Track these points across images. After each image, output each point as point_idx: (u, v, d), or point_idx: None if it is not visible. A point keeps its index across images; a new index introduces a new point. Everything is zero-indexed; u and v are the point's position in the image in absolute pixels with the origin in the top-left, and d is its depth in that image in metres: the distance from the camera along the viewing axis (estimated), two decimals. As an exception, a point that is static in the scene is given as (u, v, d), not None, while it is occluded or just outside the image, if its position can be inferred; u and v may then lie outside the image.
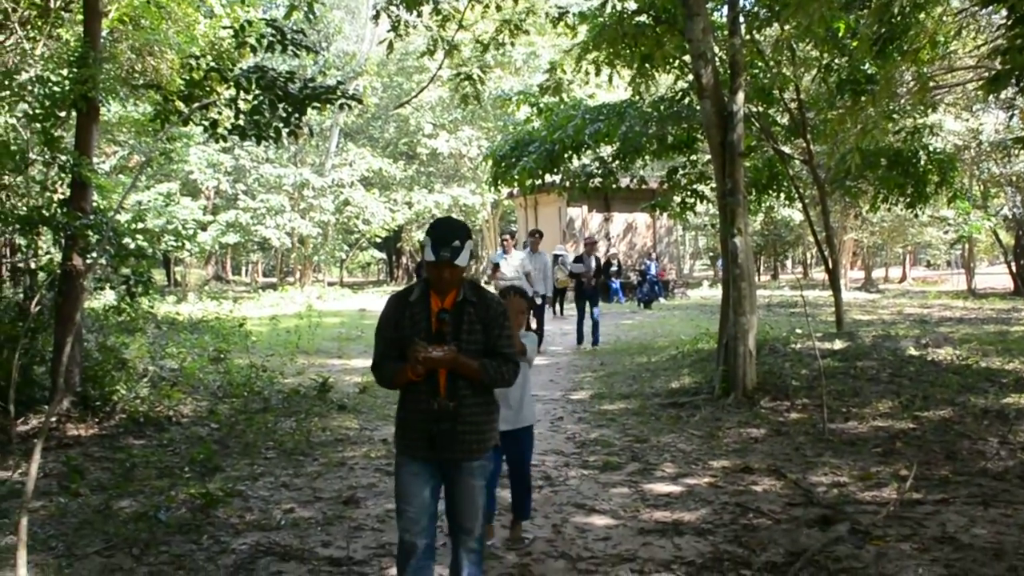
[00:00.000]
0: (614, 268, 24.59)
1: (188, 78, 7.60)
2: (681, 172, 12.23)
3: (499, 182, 11.83)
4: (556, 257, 17.41)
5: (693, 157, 12.03)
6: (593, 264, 13.63)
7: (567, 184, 12.10)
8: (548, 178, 11.80)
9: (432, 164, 42.86)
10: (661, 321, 18.47)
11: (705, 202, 12.52)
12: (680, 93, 10.87)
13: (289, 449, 6.85)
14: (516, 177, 11.33)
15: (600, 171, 11.80)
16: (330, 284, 37.68)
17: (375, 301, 29.45)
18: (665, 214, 13.67)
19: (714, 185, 10.05)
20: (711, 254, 50.15)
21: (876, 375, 8.54)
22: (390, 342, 3.37)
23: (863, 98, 9.15)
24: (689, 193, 12.19)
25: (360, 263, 67.34)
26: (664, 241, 27.89)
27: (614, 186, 11.98)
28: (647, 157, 11.66)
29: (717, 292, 30.97)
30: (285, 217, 31.43)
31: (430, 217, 42.57)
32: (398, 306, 3.40)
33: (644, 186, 12.40)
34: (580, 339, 13.67)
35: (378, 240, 37.38)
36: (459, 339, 3.32)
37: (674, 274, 28.81)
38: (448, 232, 3.30)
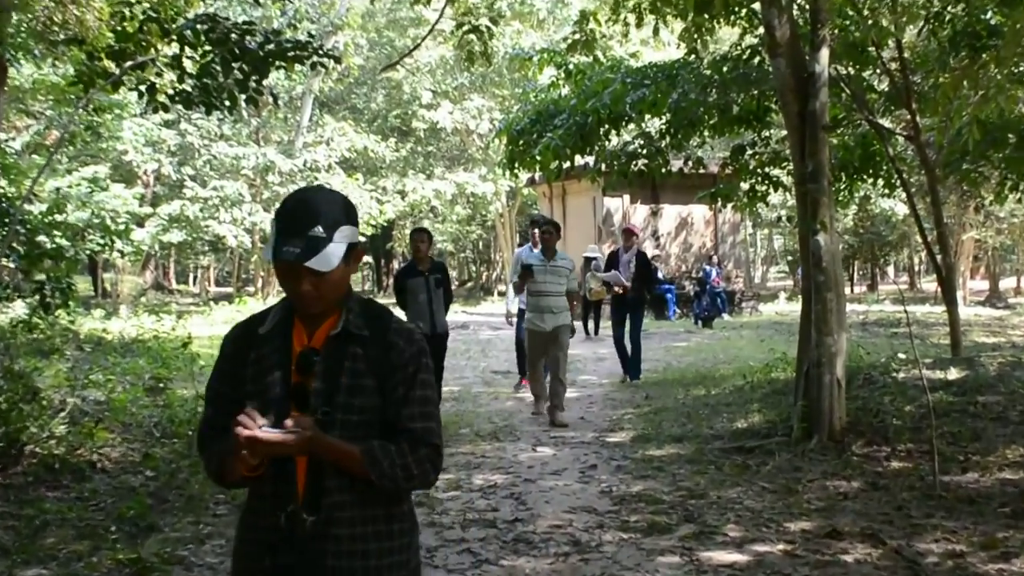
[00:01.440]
0: (662, 274, 24.61)
1: (119, 30, 7.67)
2: (749, 152, 12.20)
3: (516, 165, 11.84)
4: (588, 261, 17.45)
5: (765, 133, 12.00)
6: (634, 263, 13.31)
7: (603, 168, 12.09)
8: (579, 160, 11.79)
9: (431, 142, 43.10)
10: (724, 343, 18.41)
11: (780, 190, 12.48)
12: (747, 51, 10.86)
13: (244, 503, 6.85)
14: (538, 159, 11.34)
15: (645, 151, 11.80)
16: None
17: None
18: (729, 206, 13.62)
19: (791, 168, 10.02)
20: (789, 258, 49.99)
21: (1003, 414, 8.46)
22: (224, 404, 2.51)
23: (984, 56, 9.10)
24: (759, 179, 12.16)
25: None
26: (728, 241, 27.87)
27: (663, 170, 11.96)
28: (706, 133, 11.60)
29: (796, 306, 30.89)
30: (244, 209, 31.60)
31: (428, 210, 43.04)
32: (240, 343, 2.55)
33: (702, 170, 12.37)
34: (626, 368, 13.33)
35: (362, 239, 37.51)
36: (332, 402, 2.44)
37: (741, 283, 28.75)
38: (304, 212, 2.40)
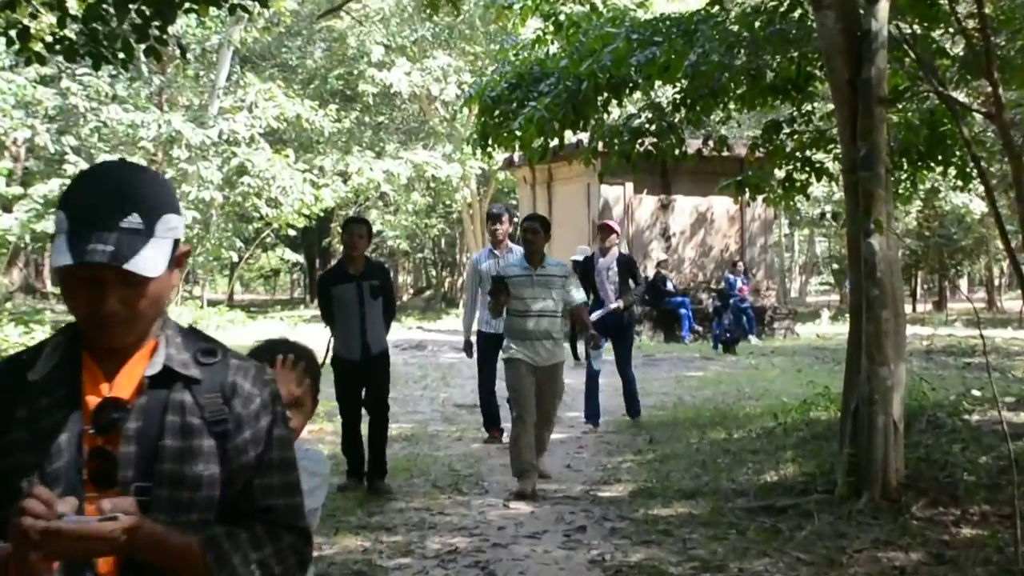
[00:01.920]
0: (672, 284, 24.69)
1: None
2: (786, 131, 12.24)
3: (490, 142, 11.83)
4: (578, 265, 17.45)
5: (806, 106, 12.04)
6: (615, 270, 13.23)
7: (600, 147, 12.09)
8: (569, 137, 11.78)
9: (383, 111, 43.08)
10: (751, 373, 18.45)
11: (825, 180, 12.53)
12: (786, 1, 10.90)
13: None
14: (518, 134, 11.33)
15: (654, 127, 11.81)
16: (212, 303, 37.70)
17: (285, 333, 29.38)
18: (760, 198, 13.65)
19: (839, 152, 10.04)
20: (834, 266, 50.25)
21: (1101, 467, 8.49)
22: None
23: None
24: (798, 165, 12.20)
25: (262, 270, 67.42)
26: (757, 244, 28.02)
27: (677, 152, 11.97)
28: (731, 105, 11.60)
29: (843, 328, 31.01)
30: (140, 192, 31.56)
31: (377, 197, 42.95)
32: (1, 396, 2.24)
33: (726, 153, 12.39)
34: (589, 414, 12.87)
35: (292, 233, 37.42)
36: (151, 473, 2.17)
37: (773, 297, 28.87)
38: (113, 195, 2.16)
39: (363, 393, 9.61)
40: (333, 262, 54.20)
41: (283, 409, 2.36)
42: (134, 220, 2.12)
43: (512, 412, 9.51)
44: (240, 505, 2.26)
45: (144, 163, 31.78)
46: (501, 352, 9.89)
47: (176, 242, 2.21)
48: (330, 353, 9.46)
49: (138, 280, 2.13)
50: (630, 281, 13.13)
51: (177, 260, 2.23)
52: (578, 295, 9.80)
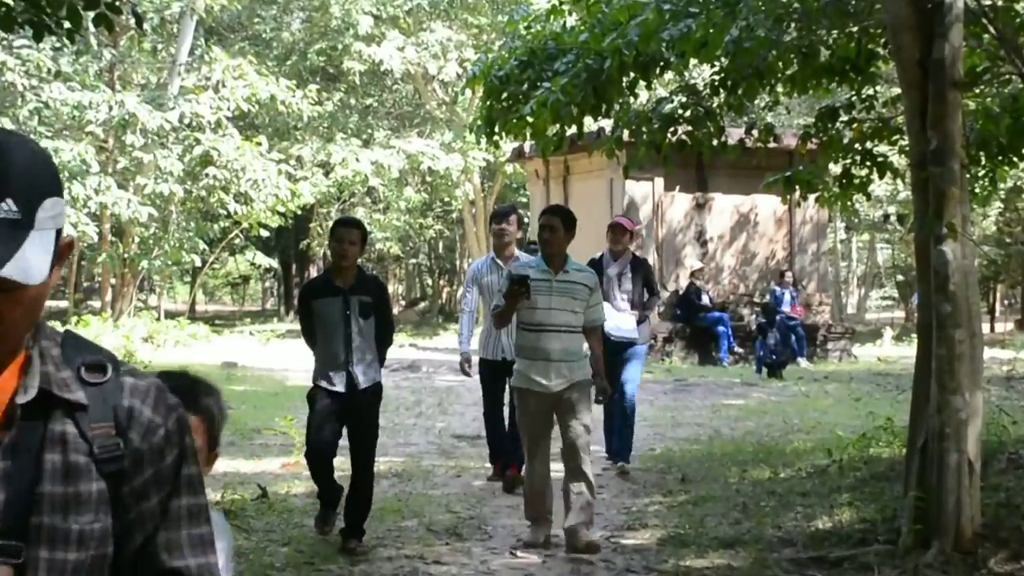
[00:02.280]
0: (704, 299, 24.72)
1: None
2: (843, 119, 12.23)
3: (497, 129, 11.83)
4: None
5: (867, 90, 12.04)
6: (630, 276, 12.66)
7: (625, 136, 12.10)
8: (590, 124, 11.76)
9: (371, 93, 43.08)
10: (800, 402, 18.44)
11: (889, 176, 12.52)
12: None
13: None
14: (529, 120, 11.33)
15: (689, 112, 11.81)
16: (170, 315, 37.72)
17: (255, 350, 29.43)
18: (812, 197, 13.64)
19: (905, 144, 10.03)
20: (899, 277, 50.21)
21: None
22: None
23: None
24: (857, 158, 12.19)
25: (229, 277, 67.35)
26: (808, 251, 28.01)
27: (715, 143, 11.97)
28: (779, 89, 11.59)
29: (909, 350, 30.96)
30: (89, 184, 31.53)
31: (364, 192, 42.87)
32: None
33: (772, 144, 12.38)
34: (610, 447, 12.53)
35: (265, 234, 37.45)
36: (25, 528, 1.94)
37: (827, 313, 28.84)
38: None
39: (344, 433, 9.16)
40: (313, 271, 53.64)
41: (191, 442, 2.12)
42: (8, 207, 1.86)
43: (524, 453, 9.39)
44: (140, 567, 2.05)
45: (93, 148, 31.82)
46: (511, 378, 9.51)
47: (59, 232, 1.96)
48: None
49: (13, 285, 1.87)
50: (645, 292, 12.64)
51: (59, 254, 1.97)
52: (601, 315, 9.39)
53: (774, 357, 23.09)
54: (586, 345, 9.38)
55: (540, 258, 9.29)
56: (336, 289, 9.08)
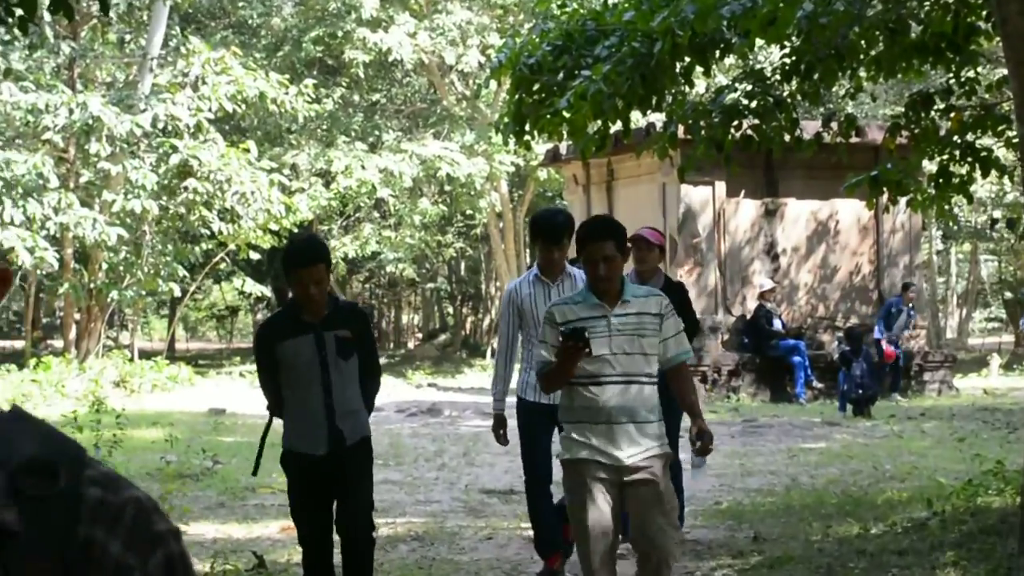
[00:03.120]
0: (776, 324, 24.75)
1: None
2: (940, 107, 12.21)
3: (528, 127, 11.86)
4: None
5: (968, 72, 12.02)
6: (654, 295, 11.84)
7: (679, 132, 12.11)
8: (638, 119, 11.78)
9: (378, 87, 43.11)
10: (892, 444, 18.38)
11: (995, 175, 12.48)
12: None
13: None
14: (566, 116, 11.37)
15: (755, 104, 11.82)
16: (145, 355, 37.79)
17: (245, 394, 29.41)
18: (903, 201, 13.61)
19: (1013, 134, 10.01)
20: (1007, 295, 50.02)
21: None
22: None
23: None
24: (957, 152, 12.17)
25: (214, 309, 67.15)
26: (900, 264, 27.89)
27: (787, 137, 11.97)
28: (862, 73, 11.57)
29: (1018, 382, 30.82)
30: (48, 202, 31.63)
31: (371, 206, 42.82)
32: None
33: (855, 138, 12.34)
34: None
35: (256, 257, 37.45)
36: None
37: (922, 338, 28.71)
38: None
39: (334, 505, 8.48)
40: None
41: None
42: None
43: (585, 554, 7.72)
44: None
45: (51, 159, 31.94)
46: (558, 444, 8.10)
47: None
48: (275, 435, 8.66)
49: None
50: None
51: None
52: (683, 348, 7.89)
53: (860, 392, 22.99)
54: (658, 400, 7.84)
55: (586, 289, 7.86)
56: (305, 326, 8.33)
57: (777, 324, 25.51)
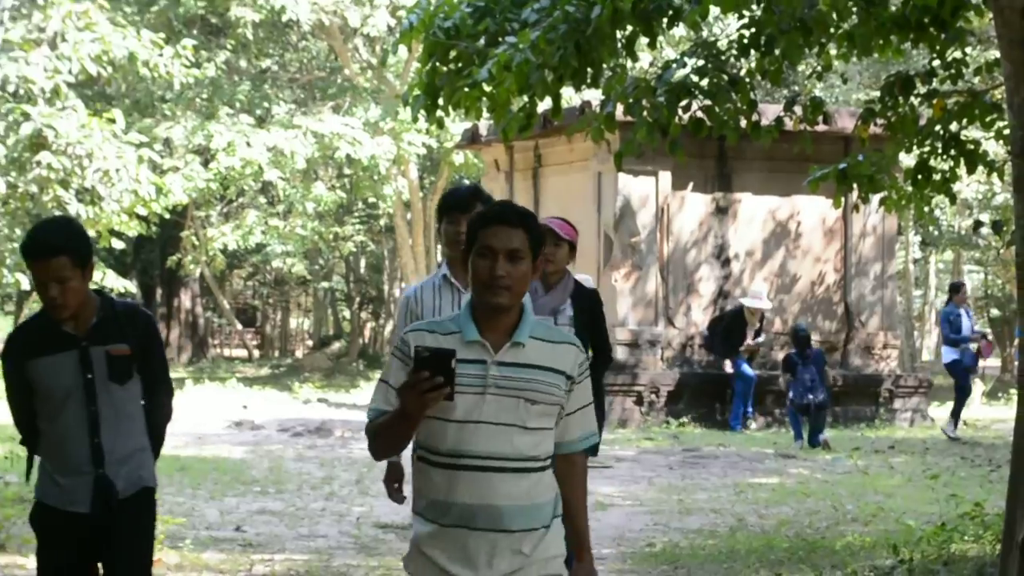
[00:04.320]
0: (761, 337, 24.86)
1: None
2: (920, 91, 12.28)
3: (442, 102, 11.84)
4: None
5: (954, 52, 12.09)
6: (570, 311, 11.56)
7: (618, 113, 12.11)
8: (570, 96, 11.76)
9: (271, 52, 42.94)
10: (855, 481, 18.52)
11: (982, 171, 12.55)
12: None
13: None
14: (487, 89, 11.35)
15: (708, 81, 11.85)
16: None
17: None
18: (876, 199, 13.68)
19: (1004, 125, 10.06)
20: (994, 311, 50.43)
21: None
22: None
23: None
24: (940, 145, 12.24)
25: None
26: (871, 273, 28.04)
27: (743, 122, 12.01)
28: (831, 50, 11.62)
29: (1005, 411, 31.08)
30: None
31: (258, 189, 42.59)
32: None
33: (822, 125, 12.38)
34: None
35: (120, 246, 37.17)
36: None
37: (894, 359, 28.87)
38: None
39: None
40: (185, 296, 53.57)
41: None
42: None
43: None
44: None
45: None
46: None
47: None
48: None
49: None
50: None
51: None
52: (589, 429, 6.02)
53: (810, 398, 23.00)
54: (555, 492, 5.92)
55: (466, 312, 5.84)
56: (66, 339, 7.25)
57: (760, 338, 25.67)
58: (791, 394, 23.59)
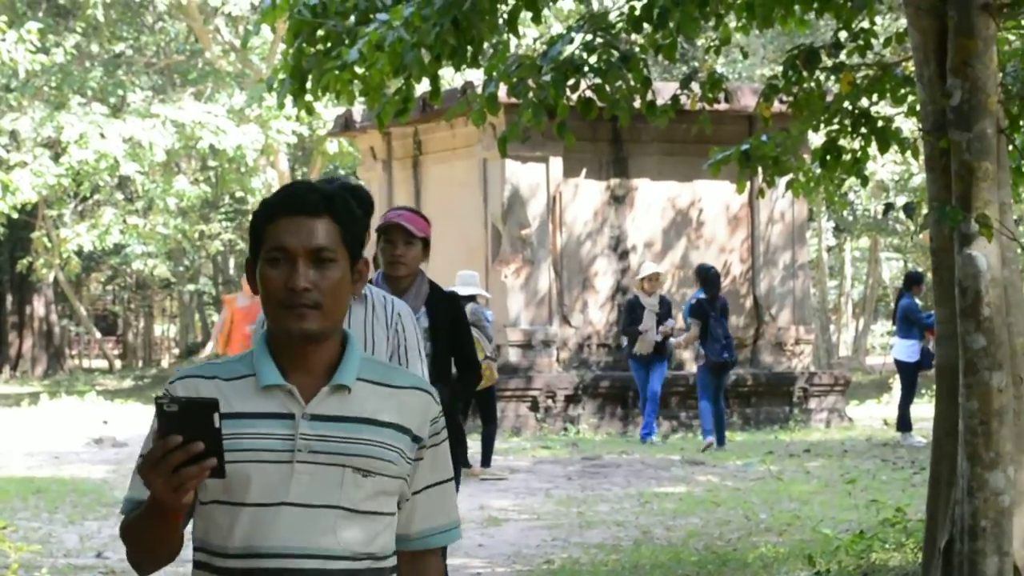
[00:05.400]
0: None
1: None
2: (827, 64, 12.34)
3: (311, 86, 11.81)
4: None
5: (863, 23, 12.16)
6: (424, 318, 11.14)
7: (502, 94, 12.11)
8: (449, 77, 11.75)
9: (123, 36, 42.71)
10: (768, 488, 18.64)
11: (894, 150, 12.64)
12: None
13: None
14: (358, 72, 11.33)
15: (598, 57, 11.86)
16: None
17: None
18: (782, 183, 13.75)
19: (916, 100, 10.13)
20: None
21: None
22: None
23: None
24: (849, 123, 12.30)
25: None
26: (780, 263, 28.17)
27: (638, 102, 12.03)
28: (733, 22, 11.67)
29: (927, 410, 31.31)
30: None
31: (115, 185, 42.31)
32: None
33: (724, 104, 12.41)
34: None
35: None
36: None
37: (807, 355, 29.00)
38: None
39: None
40: (38, 302, 53.36)
41: None
42: None
43: None
44: None
45: None
46: None
47: None
48: None
49: None
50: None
51: None
52: (442, 516, 4.39)
53: (727, 356, 22.80)
54: None
55: (261, 346, 4.27)
56: None
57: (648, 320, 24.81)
58: (702, 350, 23.35)
